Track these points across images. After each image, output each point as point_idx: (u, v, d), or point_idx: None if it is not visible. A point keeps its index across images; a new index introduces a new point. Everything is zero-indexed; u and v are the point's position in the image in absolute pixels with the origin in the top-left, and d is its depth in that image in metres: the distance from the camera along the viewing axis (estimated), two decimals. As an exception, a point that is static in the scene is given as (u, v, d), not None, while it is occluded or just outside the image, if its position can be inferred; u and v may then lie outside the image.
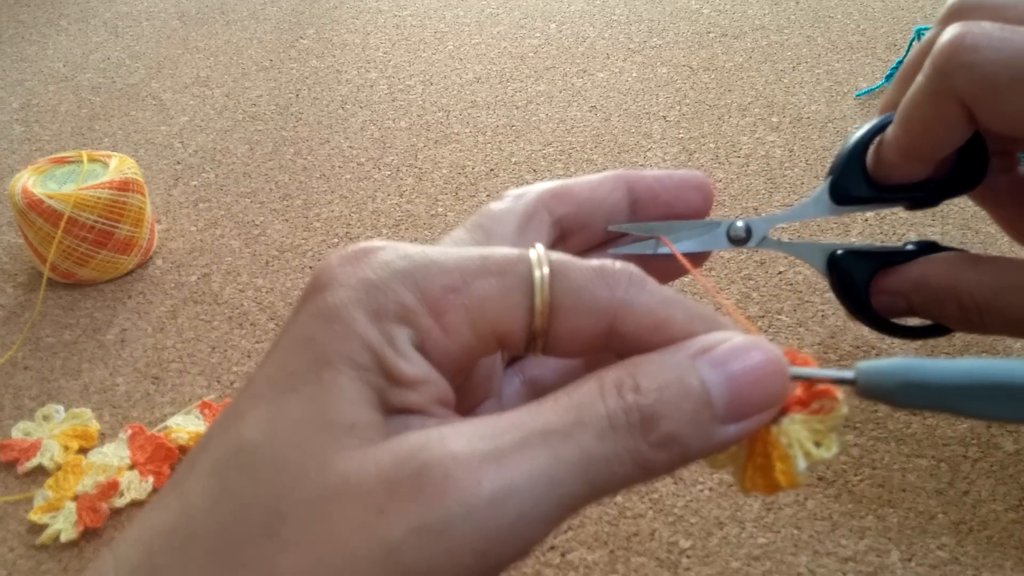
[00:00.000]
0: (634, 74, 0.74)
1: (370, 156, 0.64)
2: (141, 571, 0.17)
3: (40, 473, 0.39)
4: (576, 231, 0.25)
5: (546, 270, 0.19)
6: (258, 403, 0.18)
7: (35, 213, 0.49)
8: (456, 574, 0.16)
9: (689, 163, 0.60)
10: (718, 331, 0.19)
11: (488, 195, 0.58)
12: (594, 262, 0.19)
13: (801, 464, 0.18)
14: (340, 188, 0.60)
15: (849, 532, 0.33)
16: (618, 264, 0.19)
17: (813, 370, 0.19)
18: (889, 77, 0.68)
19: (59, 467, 0.39)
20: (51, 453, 0.40)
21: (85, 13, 0.96)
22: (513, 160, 0.62)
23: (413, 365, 0.18)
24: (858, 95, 0.67)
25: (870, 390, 0.18)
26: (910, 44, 0.68)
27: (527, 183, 0.59)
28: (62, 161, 0.54)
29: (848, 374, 0.19)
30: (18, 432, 0.41)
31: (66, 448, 0.40)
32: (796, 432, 0.18)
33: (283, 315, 0.48)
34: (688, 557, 0.33)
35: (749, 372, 0.18)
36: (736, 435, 0.18)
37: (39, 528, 0.36)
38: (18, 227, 0.52)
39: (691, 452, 0.18)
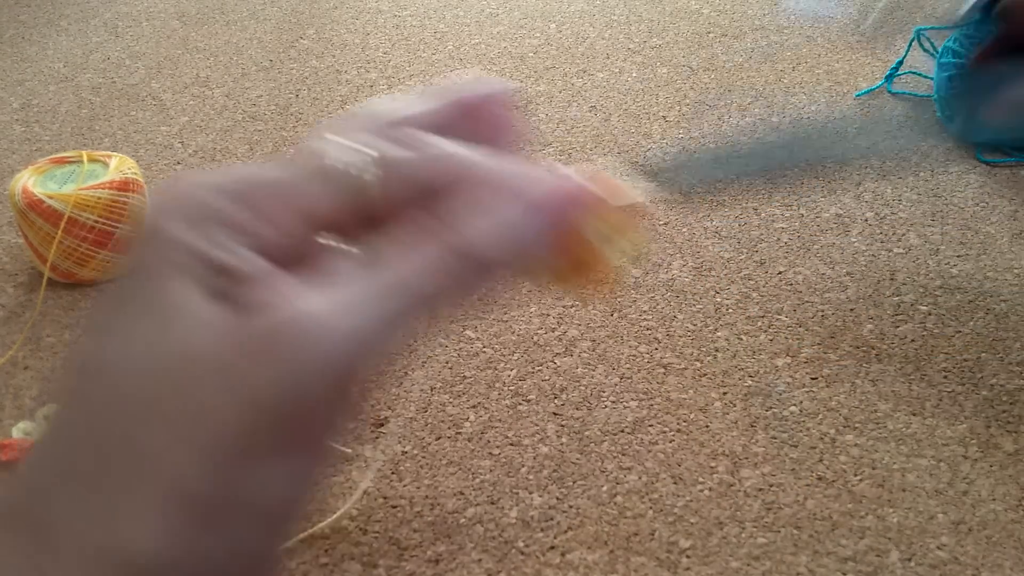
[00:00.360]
0: (634, 74, 0.74)
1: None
2: (14, 497, 0.18)
3: (40, 473, 0.40)
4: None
5: (355, 156, 0.21)
6: (92, 328, 0.19)
7: (35, 213, 0.49)
8: (319, 406, 0.17)
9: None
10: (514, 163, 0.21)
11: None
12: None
13: (615, 256, 0.20)
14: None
15: (849, 532, 0.34)
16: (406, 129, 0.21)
17: (607, 182, 0.21)
18: (889, 77, 0.68)
19: (59, 467, 0.39)
20: (51, 453, 0.40)
21: (85, 13, 0.96)
22: (513, 160, 0.62)
23: (238, 256, 0.19)
24: (858, 95, 0.67)
25: (658, 179, 0.22)
26: (910, 44, 0.68)
27: (527, 183, 0.59)
28: (62, 161, 0.54)
29: (638, 182, 0.22)
30: (18, 432, 0.41)
31: (66, 448, 0.40)
32: (605, 231, 0.21)
33: (283, 315, 0.48)
34: (688, 557, 0.33)
35: (548, 197, 0.20)
36: (547, 248, 0.20)
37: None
38: (18, 227, 0.52)
39: (507, 265, 0.20)
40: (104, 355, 0.19)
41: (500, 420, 0.40)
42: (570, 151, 0.63)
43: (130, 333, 0.18)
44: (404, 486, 0.37)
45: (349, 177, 0.21)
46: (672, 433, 0.38)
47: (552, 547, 0.34)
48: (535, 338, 0.45)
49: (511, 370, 0.43)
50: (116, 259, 0.52)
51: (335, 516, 0.36)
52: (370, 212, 0.21)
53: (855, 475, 0.36)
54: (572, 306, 0.47)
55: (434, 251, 0.19)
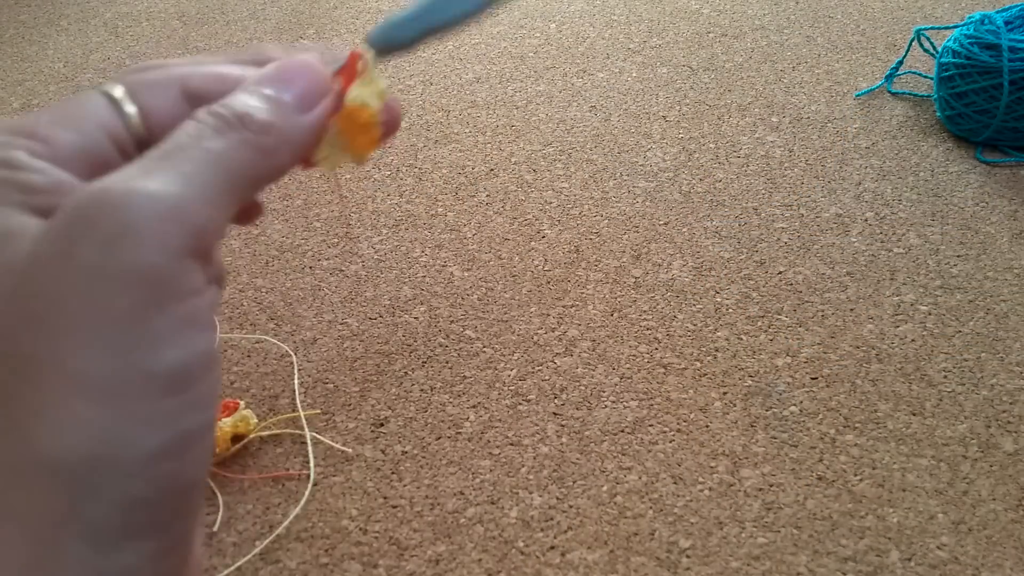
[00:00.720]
0: (634, 74, 0.74)
1: (369, 156, 0.64)
2: None
3: (40, 473, 0.40)
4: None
5: (115, 82, 0.23)
6: None
7: (35, 213, 0.49)
8: (155, 255, 0.18)
9: (689, 163, 0.60)
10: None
11: (488, 195, 0.58)
12: None
13: (375, 103, 0.24)
14: (340, 188, 0.60)
15: (849, 532, 0.34)
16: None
17: (336, 58, 0.24)
18: (889, 77, 0.68)
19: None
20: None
21: (85, 13, 0.96)
22: (513, 160, 0.62)
23: (42, 174, 0.20)
24: (858, 95, 0.67)
25: (377, 45, 0.25)
26: (909, 44, 0.68)
27: (527, 183, 0.59)
28: (62, 161, 0.54)
29: (363, 47, 0.25)
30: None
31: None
32: (359, 94, 0.24)
33: (283, 315, 0.48)
34: (688, 557, 0.33)
35: (294, 73, 0.22)
36: (317, 119, 0.22)
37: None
38: (18, 227, 0.51)
39: (293, 137, 0.22)
40: None
41: (500, 420, 0.40)
42: (570, 151, 0.63)
43: None
44: (404, 486, 0.37)
45: (109, 99, 0.22)
46: (672, 433, 0.38)
47: (552, 547, 0.34)
48: (535, 338, 0.45)
49: (511, 370, 0.43)
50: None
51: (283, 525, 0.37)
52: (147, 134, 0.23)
53: (855, 475, 0.36)
54: (572, 306, 0.47)
55: (198, 122, 0.21)
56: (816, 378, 0.41)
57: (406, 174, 0.61)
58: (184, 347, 0.18)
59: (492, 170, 0.61)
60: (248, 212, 0.29)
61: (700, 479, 0.36)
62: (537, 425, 0.39)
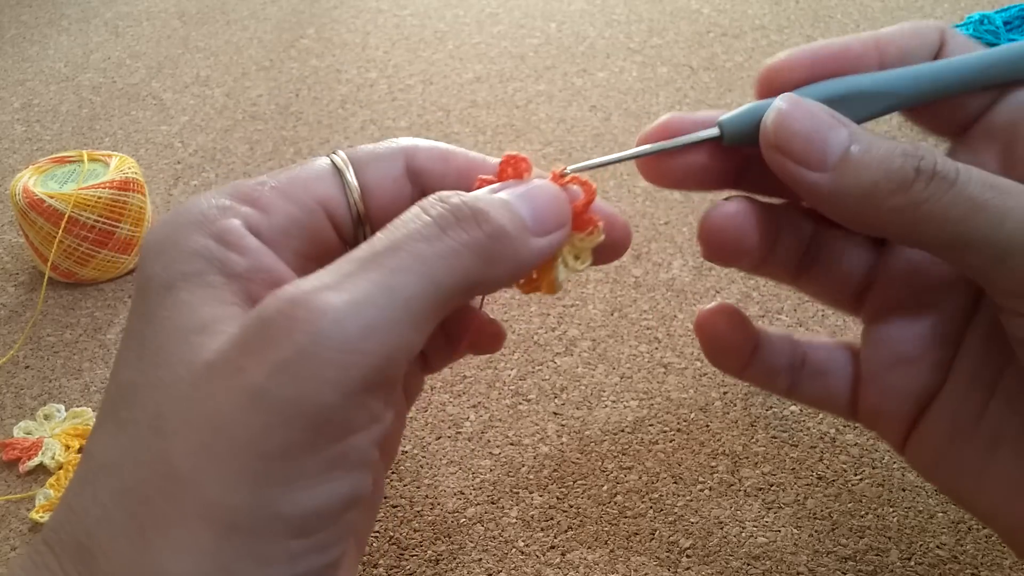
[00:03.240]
0: (634, 73, 0.74)
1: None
2: (59, 519, 0.18)
3: (42, 472, 0.40)
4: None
5: (342, 153, 0.22)
6: (121, 353, 0.19)
7: (36, 213, 0.49)
8: (325, 393, 0.16)
9: (689, 163, 0.60)
10: (495, 163, 0.22)
11: (488, 195, 0.58)
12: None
13: (561, 274, 0.22)
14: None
15: (849, 531, 0.34)
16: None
17: (680, 139, 0.23)
18: (889, 77, 0.68)
19: (60, 466, 0.39)
20: (52, 452, 0.40)
21: (86, 13, 0.96)
22: (513, 160, 0.62)
23: (247, 257, 0.19)
24: (858, 95, 0.67)
25: (733, 136, 0.22)
26: (910, 44, 0.68)
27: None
28: (63, 161, 0.54)
29: (712, 131, 0.23)
30: (20, 431, 0.42)
31: (67, 447, 0.40)
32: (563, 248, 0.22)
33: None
34: (688, 557, 0.33)
35: (542, 197, 0.21)
36: (547, 247, 0.20)
37: (40, 527, 0.37)
38: (19, 227, 0.52)
39: (519, 256, 0.20)
40: (134, 378, 0.18)
41: (500, 420, 0.40)
42: (570, 151, 0.63)
43: (156, 351, 0.18)
44: (404, 486, 0.37)
45: (343, 174, 0.22)
46: (672, 433, 0.38)
47: (552, 547, 0.34)
48: (535, 338, 0.45)
49: (511, 370, 0.43)
50: (116, 258, 0.52)
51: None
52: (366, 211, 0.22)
53: (855, 474, 0.36)
54: (572, 306, 0.47)
55: (422, 212, 0.19)
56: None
57: (406, 174, 0.61)
58: (325, 492, 0.17)
59: (492, 170, 0.61)
60: (440, 353, 0.26)
61: (700, 479, 0.36)
62: (537, 425, 0.39)
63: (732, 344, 0.26)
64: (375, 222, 0.22)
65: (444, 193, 0.19)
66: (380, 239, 0.18)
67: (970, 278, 0.21)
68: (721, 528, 0.34)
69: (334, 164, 0.22)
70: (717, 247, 0.24)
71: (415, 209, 0.19)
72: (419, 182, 0.22)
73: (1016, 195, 0.19)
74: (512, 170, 0.22)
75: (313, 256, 0.21)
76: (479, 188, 0.22)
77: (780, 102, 0.22)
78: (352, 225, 0.22)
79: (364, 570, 0.34)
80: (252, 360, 0.16)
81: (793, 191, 0.21)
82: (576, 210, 0.22)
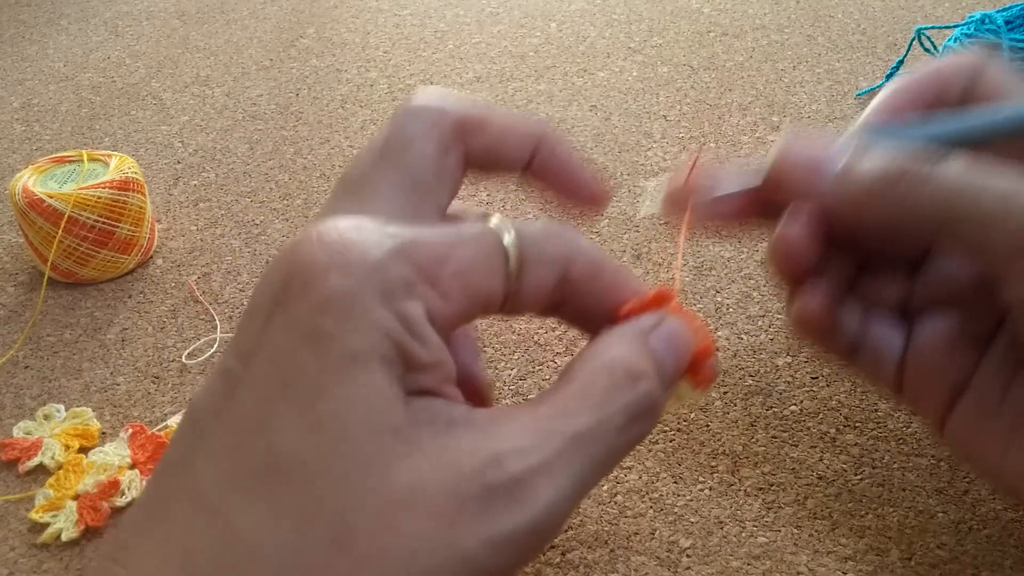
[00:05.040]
0: (634, 73, 0.74)
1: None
2: None
3: (41, 472, 0.40)
4: (481, 167, 0.25)
5: (512, 234, 0.21)
6: (281, 408, 0.17)
7: (35, 213, 0.49)
8: (518, 568, 0.18)
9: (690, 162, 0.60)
10: (639, 287, 0.23)
11: (488, 195, 0.58)
12: (540, 223, 0.22)
13: (679, 403, 0.23)
14: (340, 187, 0.60)
15: (849, 531, 0.34)
16: (560, 223, 0.22)
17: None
18: (889, 77, 0.68)
19: (60, 466, 0.39)
20: (52, 452, 0.40)
21: (85, 13, 0.96)
22: (513, 159, 0.62)
23: (429, 349, 0.18)
24: (858, 94, 0.67)
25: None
26: (910, 44, 0.68)
27: (527, 182, 0.59)
28: (62, 161, 0.54)
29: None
30: (19, 431, 0.41)
31: (67, 447, 0.40)
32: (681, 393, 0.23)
33: (283, 314, 0.48)
34: (688, 556, 0.33)
35: (682, 348, 0.22)
36: (665, 402, 0.21)
37: (40, 527, 0.37)
38: (19, 227, 0.52)
39: (652, 424, 0.21)
40: (303, 454, 0.16)
41: (500, 419, 0.40)
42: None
43: (337, 435, 0.16)
44: (404, 485, 0.37)
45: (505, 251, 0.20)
46: (672, 432, 0.38)
47: (552, 546, 0.34)
48: (535, 338, 0.45)
49: (511, 370, 0.43)
50: (116, 258, 0.52)
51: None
52: (514, 293, 0.21)
53: (855, 474, 0.36)
54: (572, 305, 0.47)
55: (617, 393, 0.19)
56: (816, 378, 0.41)
57: (406, 173, 0.61)
58: None
59: (492, 169, 0.61)
60: None
61: (700, 478, 0.36)
62: (537, 424, 0.39)
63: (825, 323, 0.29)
64: (514, 311, 0.22)
65: (632, 368, 0.20)
66: (581, 412, 0.19)
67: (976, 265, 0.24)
68: (721, 528, 0.34)
69: (507, 261, 0.20)
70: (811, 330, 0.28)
71: (608, 381, 0.20)
72: (565, 288, 0.22)
73: (992, 174, 0.23)
74: (656, 303, 0.23)
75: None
76: (627, 315, 0.22)
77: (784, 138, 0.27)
78: (496, 310, 0.21)
79: (364, 570, 0.34)
80: (469, 524, 0.17)
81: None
82: (696, 360, 0.23)
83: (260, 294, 0.19)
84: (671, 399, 0.22)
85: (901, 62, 0.68)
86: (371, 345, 0.17)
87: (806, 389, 0.40)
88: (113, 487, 0.38)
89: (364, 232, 0.18)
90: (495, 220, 0.21)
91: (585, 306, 0.22)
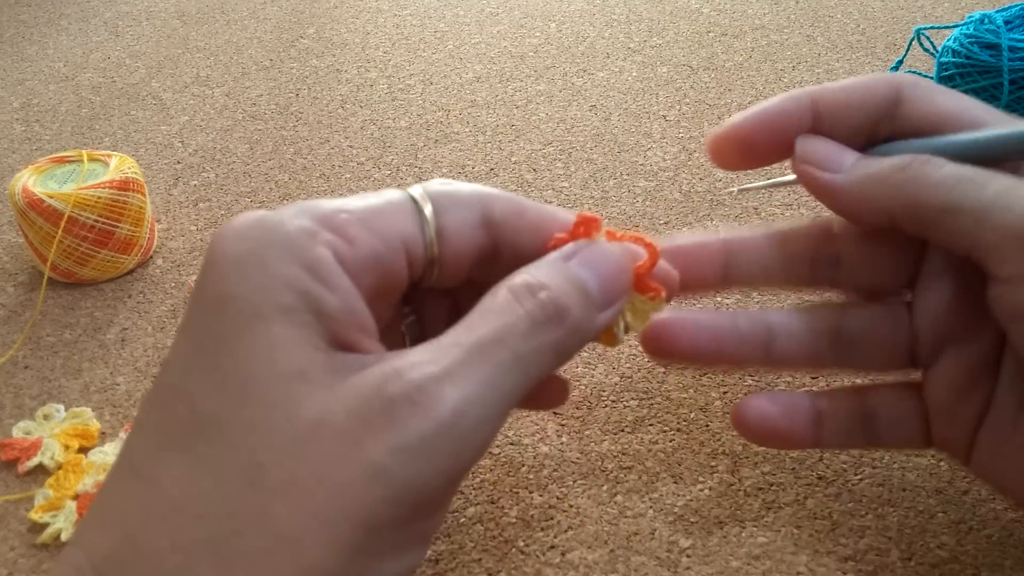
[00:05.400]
0: (634, 73, 0.74)
1: (370, 155, 0.64)
2: (121, 552, 0.17)
3: (41, 472, 0.40)
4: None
5: (421, 188, 0.22)
6: (193, 372, 0.18)
7: (35, 212, 0.49)
8: (437, 478, 0.17)
9: (689, 162, 0.60)
10: (566, 218, 0.23)
11: (488, 195, 0.58)
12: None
13: (622, 333, 0.23)
14: (340, 188, 0.60)
15: (849, 531, 0.34)
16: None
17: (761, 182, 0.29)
18: (889, 77, 0.68)
19: (60, 466, 0.39)
20: (52, 452, 0.40)
21: (85, 13, 0.96)
22: (513, 159, 0.62)
23: (338, 294, 0.19)
24: (858, 95, 0.67)
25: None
26: (909, 44, 0.68)
27: (527, 182, 0.59)
28: (62, 161, 0.54)
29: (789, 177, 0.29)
30: (19, 431, 0.41)
31: (67, 447, 0.40)
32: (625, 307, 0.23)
33: (283, 314, 0.48)
34: (688, 556, 0.33)
35: (610, 268, 0.22)
36: (607, 320, 0.22)
37: (40, 527, 0.37)
38: (18, 227, 0.52)
39: (586, 338, 0.21)
40: (217, 412, 0.17)
41: (500, 419, 0.40)
42: (570, 150, 0.63)
43: (244, 388, 0.17)
44: (404, 485, 0.37)
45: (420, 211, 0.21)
46: (672, 432, 0.38)
47: (552, 546, 0.34)
48: (535, 337, 0.45)
49: (511, 369, 0.43)
50: (116, 258, 0.52)
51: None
52: (438, 257, 0.22)
53: (855, 474, 0.36)
54: (572, 305, 0.47)
55: (517, 304, 0.20)
56: (816, 377, 0.41)
57: (406, 173, 0.61)
58: (402, 563, 0.18)
59: (492, 169, 0.61)
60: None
61: (700, 478, 0.36)
62: (537, 425, 0.39)
63: (792, 437, 0.30)
64: (446, 265, 0.22)
65: (532, 279, 0.20)
66: (483, 325, 0.19)
67: (966, 254, 0.24)
68: (721, 528, 0.34)
69: (413, 200, 0.21)
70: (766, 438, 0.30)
71: (507, 295, 0.20)
72: (493, 232, 0.23)
73: (996, 176, 0.23)
74: (584, 230, 0.23)
75: (381, 292, 0.21)
76: (554, 247, 0.23)
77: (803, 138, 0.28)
78: (423, 265, 0.22)
79: (364, 570, 0.34)
80: (373, 437, 0.17)
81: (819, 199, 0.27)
82: (639, 273, 0.23)
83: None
84: (630, 314, 0.23)
85: (900, 62, 0.68)
86: (271, 298, 0.18)
87: (806, 389, 0.40)
88: (113, 487, 0.38)
89: (266, 212, 0.20)
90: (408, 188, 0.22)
91: (519, 247, 0.23)
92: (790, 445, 0.31)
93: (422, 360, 0.18)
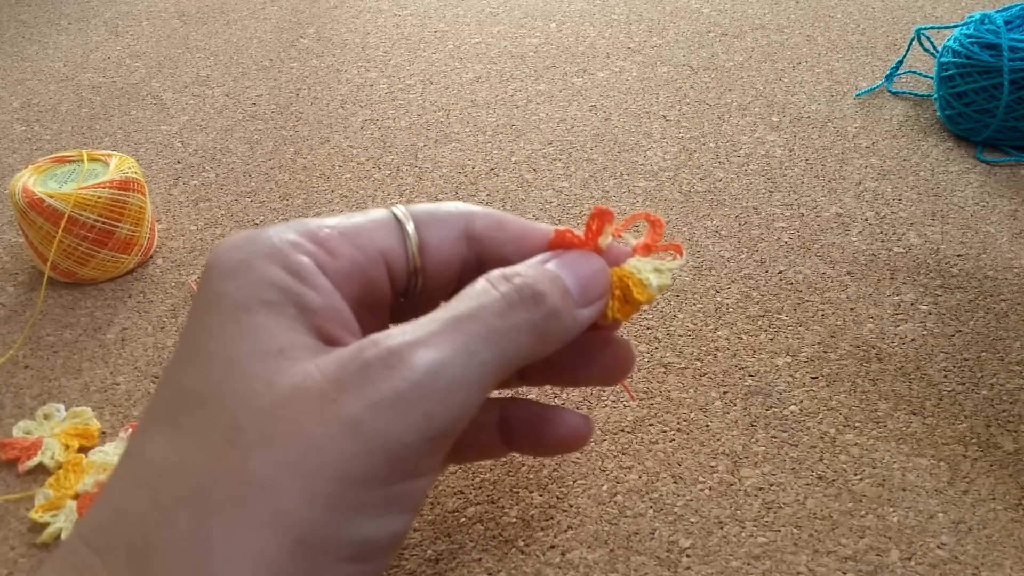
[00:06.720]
0: (634, 73, 0.74)
1: (370, 155, 0.64)
2: (106, 520, 0.18)
3: (41, 472, 0.40)
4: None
5: (404, 207, 0.23)
6: (182, 361, 0.19)
7: (36, 212, 0.49)
8: (411, 434, 0.18)
9: (689, 162, 0.60)
10: (546, 230, 0.25)
11: (488, 194, 0.58)
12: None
13: (656, 282, 0.24)
14: (340, 188, 0.60)
15: (849, 531, 0.34)
16: None
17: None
18: (889, 77, 0.68)
19: (60, 466, 0.39)
20: (52, 452, 0.40)
21: (85, 13, 0.96)
22: (513, 159, 0.62)
23: (319, 292, 0.20)
24: (858, 95, 0.67)
25: None
26: (909, 44, 0.68)
27: (527, 182, 0.59)
28: (62, 160, 0.54)
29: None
30: (19, 431, 0.41)
31: (67, 447, 0.40)
32: (644, 265, 0.25)
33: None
34: (688, 556, 0.33)
35: (587, 269, 0.23)
36: (590, 317, 0.23)
37: (40, 527, 0.37)
38: (19, 226, 0.52)
39: (568, 329, 0.22)
40: (200, 387, 0.18)
41: (500, 419, 0.40)
42: (570, 150, 0.63)
43: (227, 365, 0.18)
44: (404, 485, 0.37)
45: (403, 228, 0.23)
46: (672, 432, 0.38)
47: (552, 546, 0.34)
48: (535, 337, 0.45)
49: (511, 369, 0.43)
50: (116, 258, 0.52)
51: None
52: (420, 267, 0.23)
53: (855, 474, 0.36)
54: (572, 305, 0.47)
55: (492, 288, 0.21)
56: (816, 377, 0.41)
57: (406, 173, 0.61)
58: (383, 524, 0.18)
59: (492, 169, 0.61)
60: (487, 446, 0.29)
61: (700, 478, 0.36)
62: (537, 424, 0.39)
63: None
64: (429, 277, 0.23)
65: (508, 271, 0.21)
66: (459, 305, 0.20)
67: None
68: (721, 528, 0.34)
69: (395, 217, 0.23)
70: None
71: (483, 283, 0.21)
72: (476, 246, 0.24)
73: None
74: (563, 242, 0.24)
75: (366, 302, 0.23)
76: (554, 244, 0.24)
77: None
78: (406, 277, 0.23)
79: (364, 570, 0.34)
80: (349, 395, 0.18)
81: None
82: (653, 243, 0.26)
83: None
84: (654, 275, 0.25)
85: (901, 62, 0.68)
86: (256, 294, 0.19)
87: (806, 389, 0.40)
88: (113, 487, 0.38)
89: (257, 229, 0.22)
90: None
91: (502, 258, 0.24)
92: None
93: (399, 331, 0.19)
